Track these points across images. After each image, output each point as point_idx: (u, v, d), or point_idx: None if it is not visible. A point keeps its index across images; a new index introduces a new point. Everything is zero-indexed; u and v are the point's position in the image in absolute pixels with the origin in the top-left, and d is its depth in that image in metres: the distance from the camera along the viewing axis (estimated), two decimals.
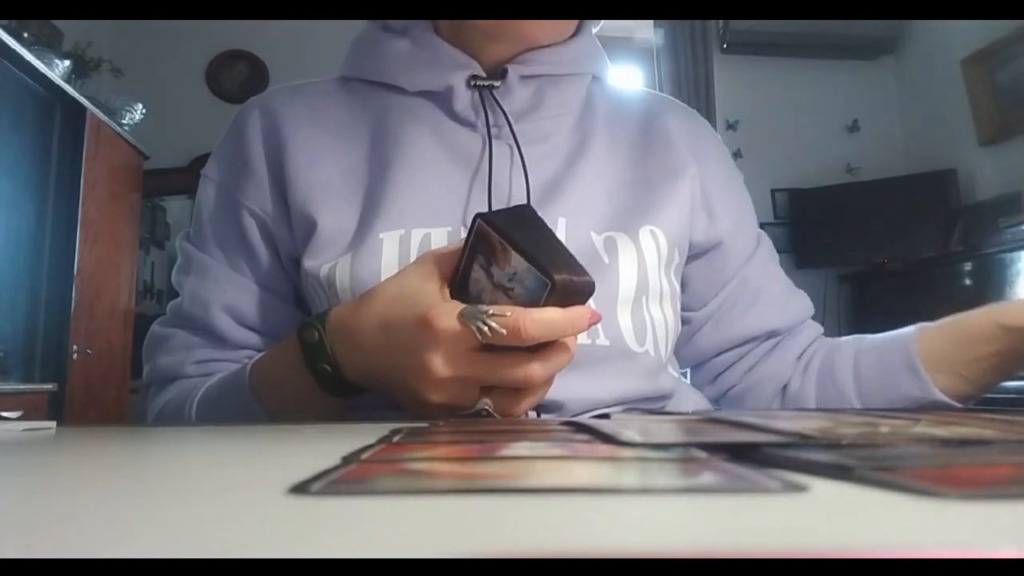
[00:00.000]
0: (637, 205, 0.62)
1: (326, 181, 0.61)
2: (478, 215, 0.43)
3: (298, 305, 0.64)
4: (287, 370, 0.51)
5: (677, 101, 0.75)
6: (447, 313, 0.42)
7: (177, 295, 0.65)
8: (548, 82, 0.65)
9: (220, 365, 0.62)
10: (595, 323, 0.43)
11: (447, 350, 0.42)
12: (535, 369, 0.43)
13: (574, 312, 0.42)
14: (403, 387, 0.45)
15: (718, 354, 0.68)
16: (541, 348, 0.43)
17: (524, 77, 0.64)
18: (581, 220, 0.59)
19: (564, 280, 0.40)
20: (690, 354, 0.69)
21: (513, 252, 0.41)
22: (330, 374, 0.48)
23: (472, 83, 0.62)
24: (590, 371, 0.55)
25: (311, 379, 0.49)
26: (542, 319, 0.41)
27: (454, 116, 0.63)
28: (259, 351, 0.63)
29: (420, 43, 0.64)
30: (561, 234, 0.58)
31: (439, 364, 0.42)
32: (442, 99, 0.63)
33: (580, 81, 0.67)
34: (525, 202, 0.45)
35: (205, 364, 0.62)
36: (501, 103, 0.62)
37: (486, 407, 0.43)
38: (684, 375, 0.71)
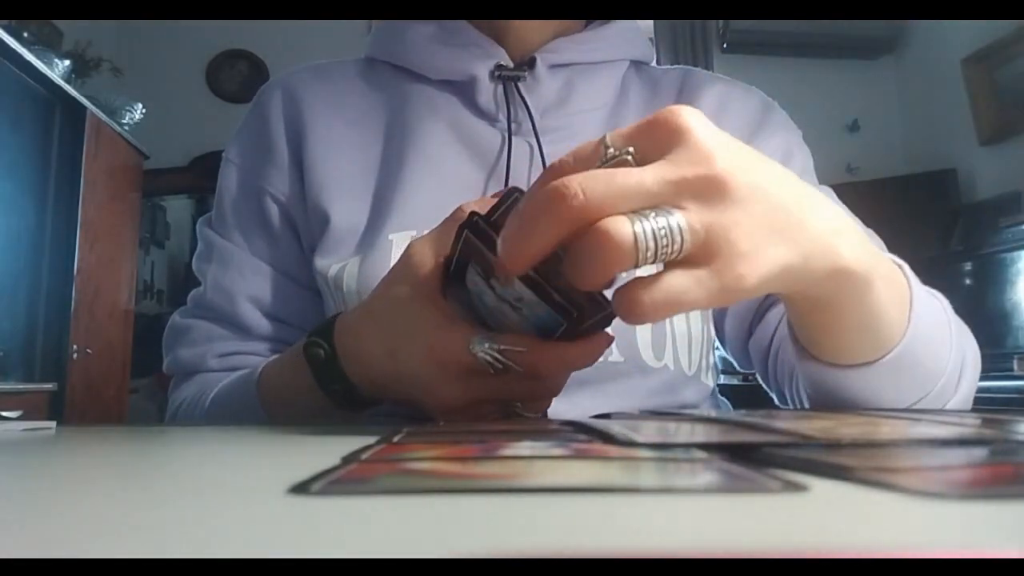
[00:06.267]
0: None
1: (341, 174, 0.59)
2: (464, 225, 0.36)
3: (322, 295, 0.61)
4: (297, 385, 0.47)
5: (721, 76, 0.68)
6: (454, 344, 0.38)
7: (198, 283, 0.62)
8: (579, 71, 0.61)
9: (243, 359, 0.59)
10: (609, 345, 0.39)
11: (458, 381, 0.39)
12: (555, 382, 0.40)
13: (592, 343, 0.37)
14: (420, 407, 0.42)
15: (751, 328, 0.61)
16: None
17: (554, 66, 0.60)
18: None
19: (581, 319, 0.35)
20: (733, 341, 0.63)
21: (518, 280, 0.34)
22: (343, 394, 0.45)
23: (497, 74, 0.59)
24: (600, 388, 0.52)
25: (322, 395, 0.46)
26: (560, 355, 0.37)
27: (476, 109, 0.60)
28: (284, 342, 0.60)
29: (446, 27, 0.61)
30: None
31: (450, 394, 0.39)
32: (464, 90, 0.60)
33: (615, 69, 0.63)
34: (514, 189, 0.38)
35: (227, 357, 0.59)
36: (526, 97, 0.59)
37: (516, 409, 0.41)
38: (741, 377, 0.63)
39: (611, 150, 0.30)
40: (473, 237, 0.35)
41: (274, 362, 0.53)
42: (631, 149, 0.30)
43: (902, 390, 0.43)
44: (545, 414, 0.45)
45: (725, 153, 0.29)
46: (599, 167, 0.30)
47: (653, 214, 0.28)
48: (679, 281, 0.28)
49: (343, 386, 0.44)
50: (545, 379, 0.39)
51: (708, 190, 0.28)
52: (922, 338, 0.42)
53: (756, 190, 0.29)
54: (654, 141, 0.30)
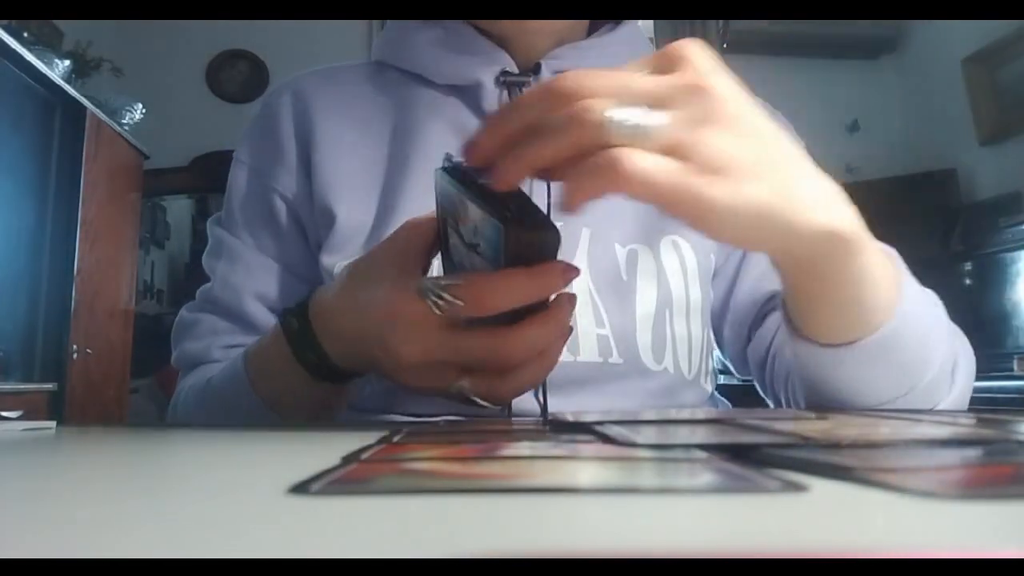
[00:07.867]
0: (659, 215, 0.58)
1: (348, 175, 0.60)
2: (441, 168, 0.37)
3: None
4: (277, 359, 0.48)
5: None
6: (407, 293, 0.38)
7: (199, 282, 0.64)
8: None
9: None
10: (572, 278, 0.37)
11: (412, 333, 0.38)
12: (511, 344, 0.37)
13: (543, 269, 0.36)
14: (385, 372, 0.42)
15: (749, 334, 0.62)
16: (521, 320, 0.37)
17: (558, 72, 0.61)
18: (605, 232, 0.56)
19: (517, 221, 0.34)
20: (732, 347, 0.64)
21: (468, 202, 0.35)
22: (317, 363, 0.45)
23: (502, 80, 0.60)
24: (599, 389, 0.53)
25: (301, 368, 0.46)
26: (503, 282, 0.35)
27: (481, 114, 0.61)
28: None
29: (452, 32, 0.62)
30: (584, 247, 0.55)
31: (406, 349, 0.39)
32: (470, 95, 0.62)
33: None
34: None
35: (232, 350, 0.60)
36: None
37: (463, 389, 0.39)
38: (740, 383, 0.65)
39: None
40: (445, 174, 0.36)
41: (257, 340, 0.54)
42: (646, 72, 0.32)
43: (889, 377, 0.44)
44: (508, 408, 0.46)
45: (723, 80, 0.32)
46: None
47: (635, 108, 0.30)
48: (649, 161, 0.29)
49: (316, 354, 0.45)
50: (490, 312, 0.37)
51: (696, 101, 0.31)
52: (911, 323, 0.42)
53: (745, 121, 0.31)
54: (660, 67, 0.33)
